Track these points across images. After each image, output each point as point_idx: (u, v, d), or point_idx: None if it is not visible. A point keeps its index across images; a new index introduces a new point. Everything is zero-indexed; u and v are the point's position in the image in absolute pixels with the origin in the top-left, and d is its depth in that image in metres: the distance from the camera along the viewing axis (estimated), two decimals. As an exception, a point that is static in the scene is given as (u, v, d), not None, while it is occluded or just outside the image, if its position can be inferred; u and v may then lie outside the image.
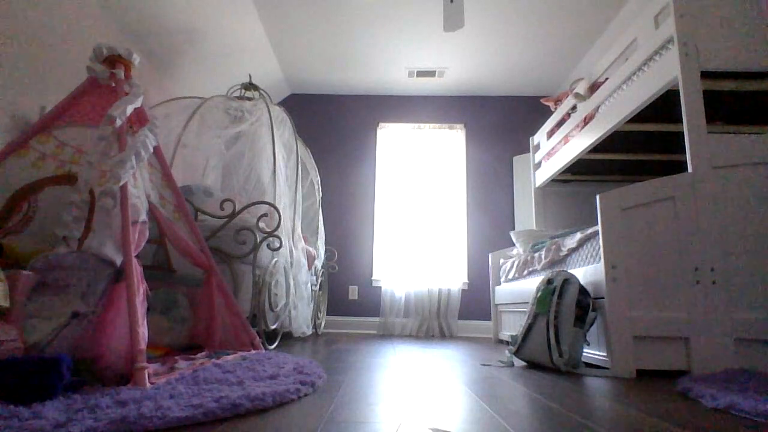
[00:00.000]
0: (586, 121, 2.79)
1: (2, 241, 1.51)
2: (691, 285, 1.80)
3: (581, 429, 0.95)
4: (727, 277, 1.80)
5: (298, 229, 2.98)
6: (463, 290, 4.21)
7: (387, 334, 3.97)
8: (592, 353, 1.96)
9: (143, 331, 1.27)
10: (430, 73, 4.27)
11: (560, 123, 3.32)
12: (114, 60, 1.77)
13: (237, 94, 3.42)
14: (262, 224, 2.41)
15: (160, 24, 2.98)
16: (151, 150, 1.70)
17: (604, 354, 1.85)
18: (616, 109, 2.42)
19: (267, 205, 2.53)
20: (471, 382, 1.53)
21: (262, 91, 3.41)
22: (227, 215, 2.38)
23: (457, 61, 4.07)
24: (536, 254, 2.85)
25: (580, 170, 3.35)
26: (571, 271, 2.14)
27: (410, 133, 4.63)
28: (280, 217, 2.50)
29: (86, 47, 1.92)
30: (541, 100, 3.80)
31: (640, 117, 2.32)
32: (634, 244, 1.86)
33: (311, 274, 3.30)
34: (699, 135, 1.89)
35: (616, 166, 3.22)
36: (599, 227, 1.90)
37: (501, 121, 4.61)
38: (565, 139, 3.15)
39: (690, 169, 1.89)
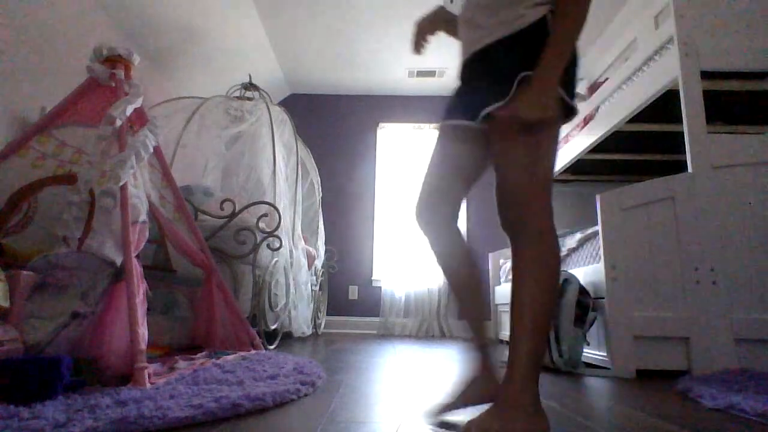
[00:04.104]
0: (586, 121, 2.79)
1: (2, 241, 1.51)
2: (691, 285, 1.80)
3: (581, 429, 0.95)
4: (727, 277, 1.80)
5: (298, 229, 2.98)
6: (463, 290, 4.20)
7: (387, 334, 3.96)
8: (592, 353, 1.96)
9: (143, 331, 1.27)
10: (430, 73, 4.27)
11: (560, 123, 3.31)
12: (114, 60, 1.77)
13: (237, 94, 3.42)
14: (262, 224, 2.41)
15: (160, 24, 2.98)
16: (151, 150, 1.70)
17: (604, 354, 1.85)
18: (616, 109, 2.42)
19: (267, 205, 2.53)
20: (471, 382, 1.52)
21: (262, 91, 3.41)
22: (227, 215, 2.38)
23: (457, 61, 4.06)
24: (536, 254, 2.84)
25: (580, 170, 3.35)
26: (571, 271, 2.14)
27: (410, 133, 4.63)
28: (280, 217, 2.50)
29: (86, 47, 1.92)
30: (541, 100, 3.79)
31: (640, 117, 2.33)
32: (634, 244, 1.85)
33: (311, 274, 3.29)
34: (699, 135, 1.89)
35: (616, 166, 3.22)
36: (599, 227, 1.90)
37: (501, 121, 4.60)
38: (565, 139, 3.15)
39: (690, 169, 1.89)
